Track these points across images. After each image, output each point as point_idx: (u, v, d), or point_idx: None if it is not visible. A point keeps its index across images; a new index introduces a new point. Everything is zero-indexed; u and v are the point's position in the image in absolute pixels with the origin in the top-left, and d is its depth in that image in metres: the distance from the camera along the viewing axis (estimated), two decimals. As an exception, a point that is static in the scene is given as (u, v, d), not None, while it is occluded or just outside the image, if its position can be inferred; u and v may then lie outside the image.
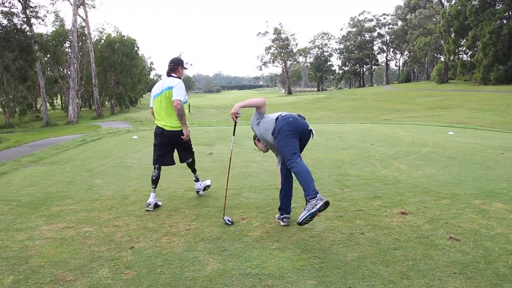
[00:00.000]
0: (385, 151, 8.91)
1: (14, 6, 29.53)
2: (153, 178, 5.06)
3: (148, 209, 4.85)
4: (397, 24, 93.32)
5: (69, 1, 38.48)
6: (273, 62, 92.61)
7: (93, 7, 44.52)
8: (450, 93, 47.54)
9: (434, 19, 74.69)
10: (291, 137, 3.90)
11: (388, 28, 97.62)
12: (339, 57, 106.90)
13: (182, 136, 5.07)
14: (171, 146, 5.17)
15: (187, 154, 5.34)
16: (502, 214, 4.32)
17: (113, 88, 50.53)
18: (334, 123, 19.50)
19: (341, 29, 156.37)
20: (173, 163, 5.23)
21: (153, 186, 5.04)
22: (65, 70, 46.37)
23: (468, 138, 11.58)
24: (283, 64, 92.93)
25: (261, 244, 3.69)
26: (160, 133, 5.08)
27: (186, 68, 5.26)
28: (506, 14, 52.24)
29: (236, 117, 4.14)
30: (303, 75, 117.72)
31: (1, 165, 8.82)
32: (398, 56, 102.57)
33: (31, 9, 30.96)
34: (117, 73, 50.72)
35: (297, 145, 3.93)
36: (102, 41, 50.77)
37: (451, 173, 6.44)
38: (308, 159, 7.96)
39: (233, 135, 4.79)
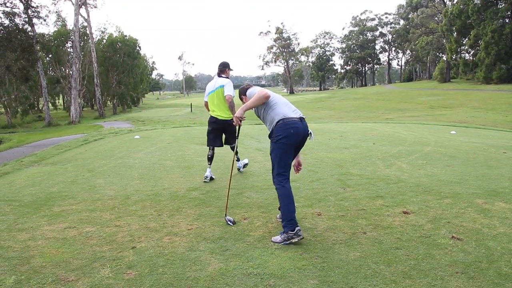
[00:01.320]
0: (387, 150, 8.89)
1: (16, 6, 29.66)
2: (209, 156, 6.40)
3: (206, 180, 6.20)
4: (399, 23, 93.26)
5: (71, 1, 38.59)
6: (275, 61, 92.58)
7: (95, 7, 44.55)
8: (452, 92, 47.46)
9: (436, 18, 74.55)
10: (288, 149, 3.82)
11: (390, 27, 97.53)
12: (341, 56, 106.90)
13: (232, 123, 5.82)
14: (222, 132, 6.46)
15: (232, 139, 6.46)
16: (505, 214, 4.31)
17: (115, 88, 50.65)
18: (336, 122, 19.49)
19: (343, 28, 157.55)
20: (221, 145, 6.53)
21: (209, 163, 6.37)
22: (67, 70, 46.49)
23: (470, 137, 11.55)
24: (285, 64, 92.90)
25: (263, 243, 3.69)
26: (214, 121, 6.37)
27: (231, 69, 6.47)
28: (509, 13, 52.09)
29: (241, 121, 4.01)
30: (305, 74, 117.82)
31: (3, 165, 8.84)
32: (400, 55, 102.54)
33: (33, 9, 31.04)
34: (119, 73, 50.82)
35: (291, 159, 3.90)
36: (104, 41, 50.88)
37: (453, 172, 6.43)
38: (310, 158, 7.95)
39: (237, 138, 4.71)
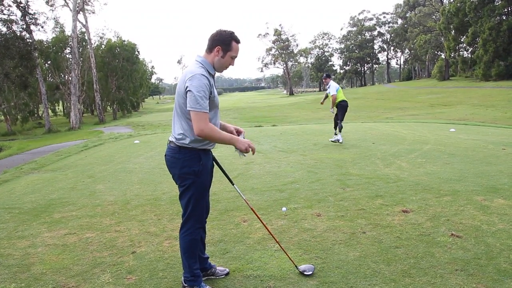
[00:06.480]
0: (386, 149, 8.90)
1: (13, 13, 29.49)
2: (340, 127, 10.33)
3: (335, 140, 10.31)
4: (397, 23, 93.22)
5: (69, 7, 38.59)
6: (274, 63, 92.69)
7: (93, 13, 44.55)
8: (452, 90, 47.42)
9: (434, 16, 74.57)
10: None
11: (388, 27, 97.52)
12: (340, 57, 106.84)
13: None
14: (344, 110, 10.44)
15: (341, 116, 10.37)
16: (504, 210, 4.32)
17: (114, 93, 50.64)
18: (335, 123, 19.44)
19: (341, 29, 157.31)
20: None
21: (337, 130, 10.40)
22: (66, 76, 46.47)
23: (470, 135, 11.55)
24: (284, 65, 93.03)
25: (262, 245, 3.69)
26: (346, 104, 10.41)
27: (331, 77, 10.65)
28: (506, 10, 52.04)
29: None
30: (304, 75, 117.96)
31: (3, 172, 8.85)
32: (399, 54, 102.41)
33: (31, 16, 30.95)
34: (118, 78, 50.81)
35: None
36: (103, 46, 50.87)
37: (453, 170, 6.43)
38: (310, 159, 7.96)
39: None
